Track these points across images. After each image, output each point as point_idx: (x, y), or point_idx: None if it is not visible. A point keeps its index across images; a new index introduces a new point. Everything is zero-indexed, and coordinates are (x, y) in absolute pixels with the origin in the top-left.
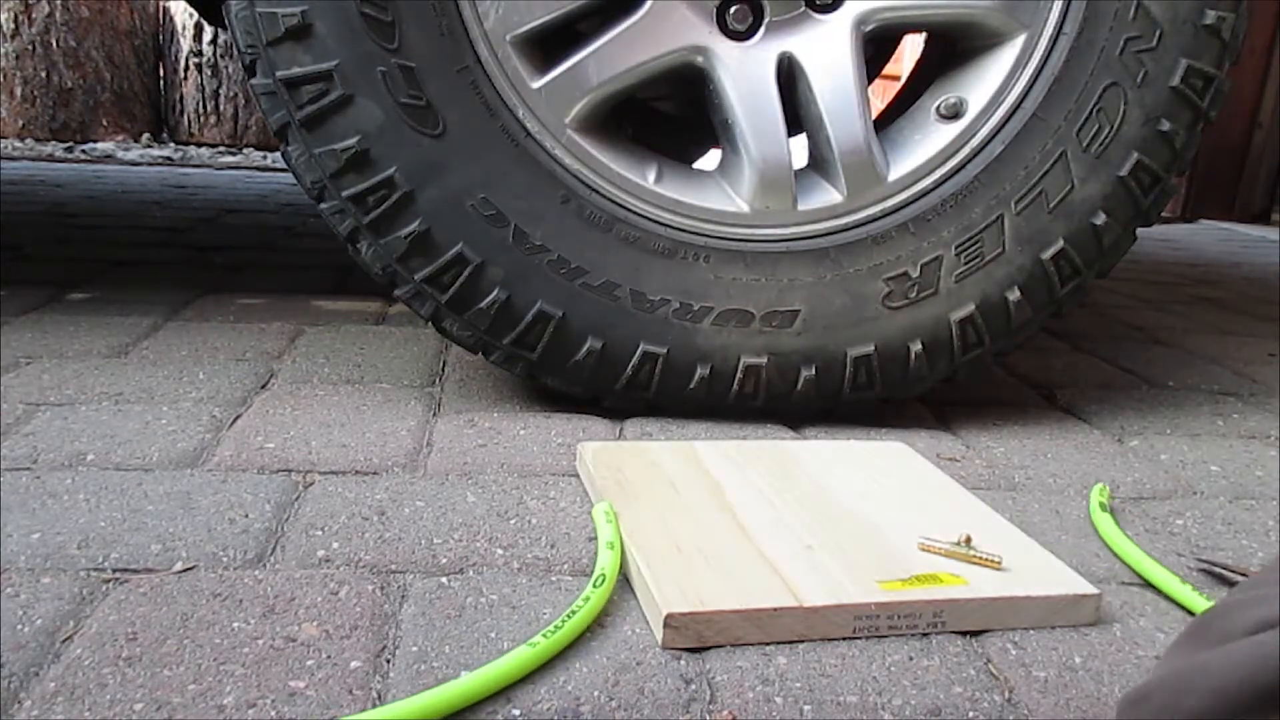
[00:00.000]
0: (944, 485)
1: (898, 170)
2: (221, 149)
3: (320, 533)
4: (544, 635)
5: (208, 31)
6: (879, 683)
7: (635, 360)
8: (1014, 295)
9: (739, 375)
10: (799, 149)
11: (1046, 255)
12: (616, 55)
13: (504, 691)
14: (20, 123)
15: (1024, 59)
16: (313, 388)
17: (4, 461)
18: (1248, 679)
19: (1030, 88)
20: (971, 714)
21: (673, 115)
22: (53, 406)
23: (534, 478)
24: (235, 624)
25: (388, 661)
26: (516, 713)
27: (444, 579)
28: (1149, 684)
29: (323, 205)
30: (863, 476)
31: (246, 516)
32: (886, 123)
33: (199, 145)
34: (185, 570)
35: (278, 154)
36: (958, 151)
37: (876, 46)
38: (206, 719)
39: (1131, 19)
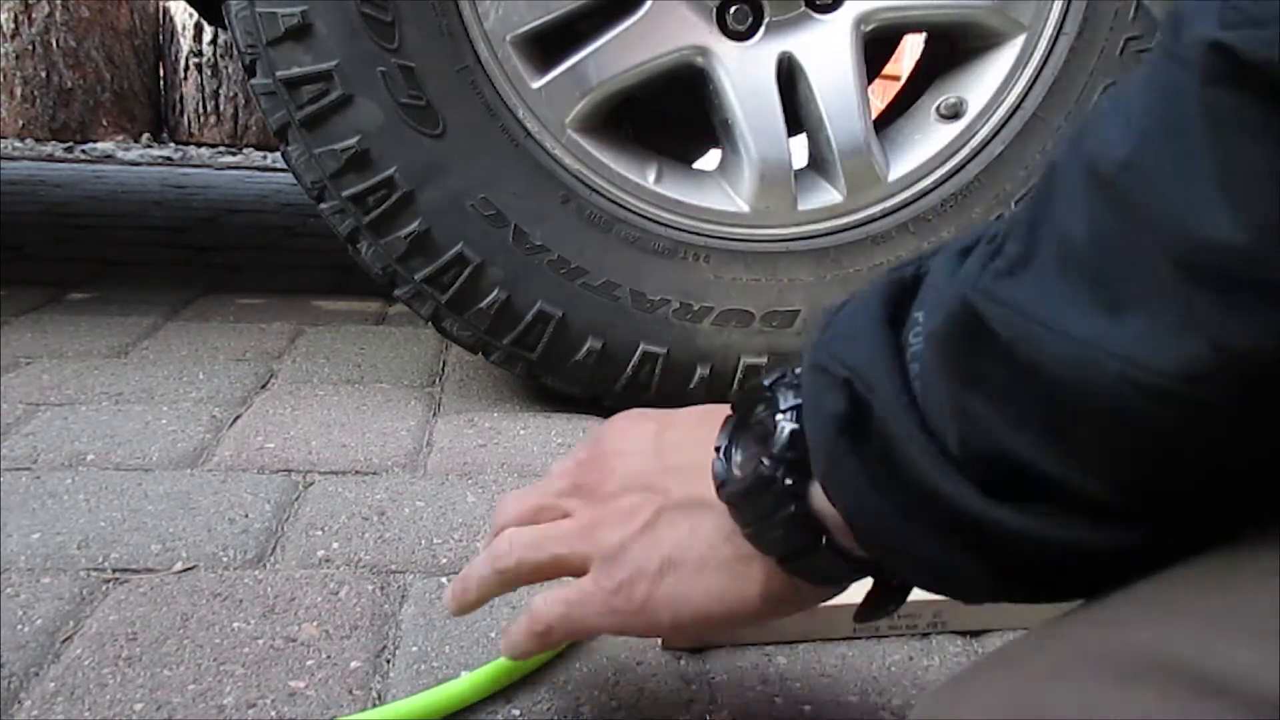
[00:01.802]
0: None
1: (898, 170)
2: (221, 149)
3: (320, 533)
4: None
5: (208, 31)
6: (879, 683)
7: (635, 360)
8: None
9: (739, 375)
10: (799, 149)
11: None
12: (616, 55)
13: (504, 691)
14: (20, 123)
15: (1024, 59)
16: (313, 388)
17: (4, 461)
18: None
19: (1030, 88)
20: None
21: (673, 115)
22: (53, 406)
23: (534, 478)
24: (235, 624)
25: (388, 661)
26: (516, 713)
27: (444, 579)
28: None
29: (323, 205)
30: None
31: (246, 516)
32: (886, 123)
33: (199, 145)
34: (185, 570)
35: (278, 154)
36: (958, 151)
37: (876, 46)
38: (206, 719)
39: (1131, 19)
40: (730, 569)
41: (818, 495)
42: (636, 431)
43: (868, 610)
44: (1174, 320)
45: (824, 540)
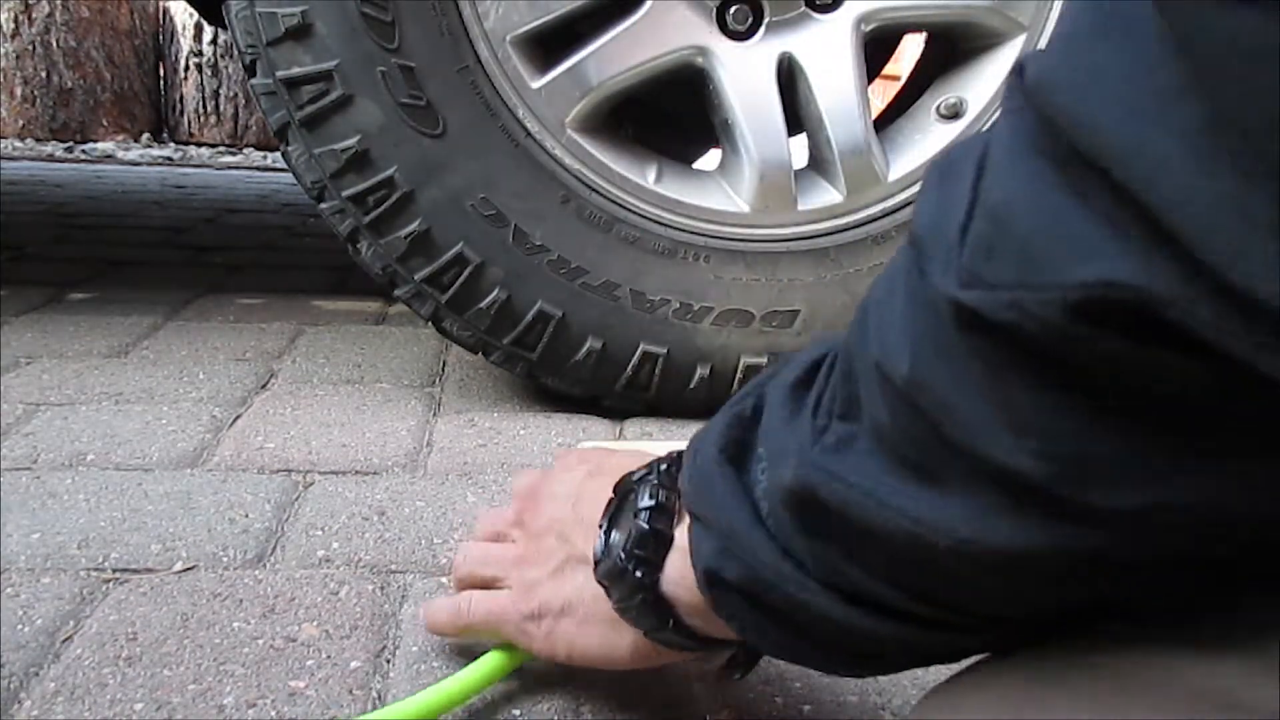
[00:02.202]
0: None
1: (898, 170)
2: (221, 149)
3: (320, 533)
4: None
5: (208, 31)
6: (879, 683)
7: (635, 360)
8: None
9: (739, 375)
10: (799, 149)
11: None
12: (616, 55)
13: (504, 692)
14: (20, 123)
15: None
16: (313, 388)
17: (4, 461)
18: None
19: None
20: None
21: (673, 115)
22: (53, 406)
23: None
24: (235, 624)
25: (388, 661)
26: (516, 713)
27: (444, 579)
28: None
29: (323, 205)
30: None
31: (246, 516)
32: (886, 123)
33: (199, 145)
34: (185, 570)
35: (278, 154)
36: None
37: (876, 46)
38: (206, 719)
39: None
40: (608, 624)
41: (668, 585)
42: (570, 474)
43: (723, 672)
44: (996, 504)
45: (671, 623)
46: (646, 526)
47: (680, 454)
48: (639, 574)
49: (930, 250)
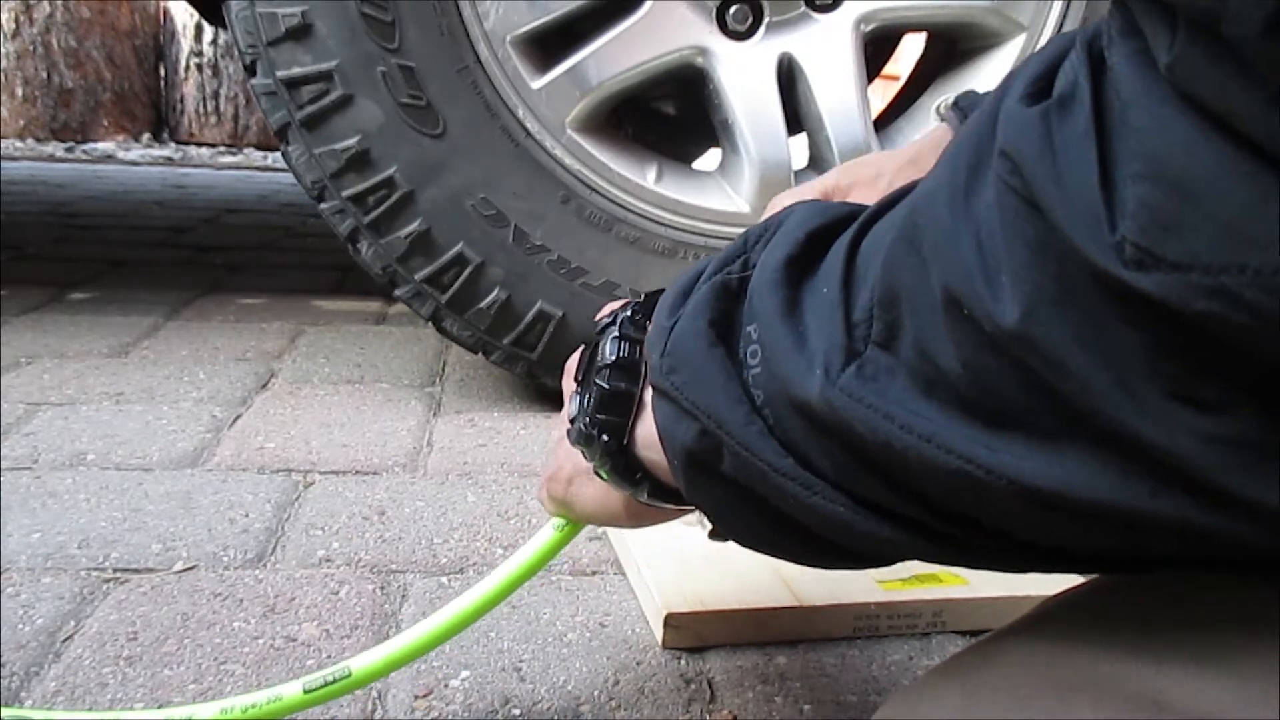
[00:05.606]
0: None
1: None
2: (221, 149)
3: (320, 532)
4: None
5: (208, 31)
6: (879, 683)
7: None
8: None
9: None
10: (799, 149)
11: None
12: (616, 55)
13: (504, 691)
14: (21, 123)
15: (1024, 59)
16: (313, 388)
17: (4, 461)
18: None
19: None
20: None
21: (673, 115)
22: (53, 406)
23: (534, 477)
24: (235, 624)
25: None
26: (517, 713)
27: (444, 579)
28: None
29: (323, 205)
30: None
31: (246, 516)
32: (886, 123)
33: (199, 145)
34: (185, 570)
35: (278, 154)
36: None
37: (876, 46)
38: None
39: None
40: (602, 484)
41: (642, 449)
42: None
43: (716, 533)
44: (1102, 464)
45: (648, 487)
46: (607, 387)
47: (648, 296)
48: (605, 438)
49: (1042, 186)
